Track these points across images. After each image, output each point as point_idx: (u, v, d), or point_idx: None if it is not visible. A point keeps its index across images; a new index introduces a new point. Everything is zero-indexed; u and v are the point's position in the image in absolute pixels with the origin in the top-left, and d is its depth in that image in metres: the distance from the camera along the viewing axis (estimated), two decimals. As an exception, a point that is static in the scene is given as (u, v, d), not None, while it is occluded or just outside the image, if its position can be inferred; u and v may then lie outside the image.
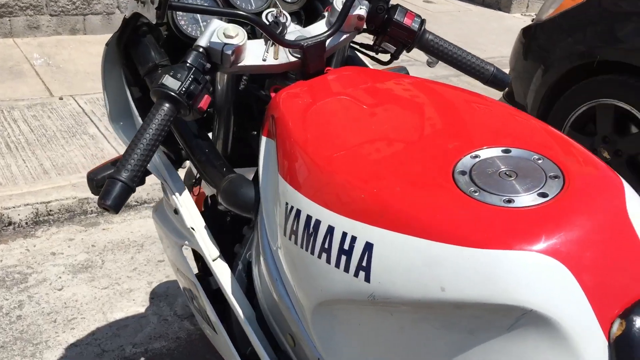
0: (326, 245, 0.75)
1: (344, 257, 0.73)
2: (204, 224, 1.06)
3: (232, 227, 1.13)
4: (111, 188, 0.85)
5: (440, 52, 1.15)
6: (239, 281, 1.02)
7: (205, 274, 1.10)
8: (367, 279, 0.71)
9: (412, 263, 0.67)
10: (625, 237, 0.67)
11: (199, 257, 1.25)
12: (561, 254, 0.62)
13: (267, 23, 1.03)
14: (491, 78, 1.16)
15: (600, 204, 0.69)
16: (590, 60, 2.46)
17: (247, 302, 0.99)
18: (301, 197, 0.80)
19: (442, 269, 0.65)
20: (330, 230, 0.75)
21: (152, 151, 0.89)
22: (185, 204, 1.07)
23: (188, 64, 0.93)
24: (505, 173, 0.72)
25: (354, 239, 0.73)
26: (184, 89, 0.91)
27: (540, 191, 0.69)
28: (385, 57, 1.20)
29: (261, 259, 0.95)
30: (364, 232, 0.72)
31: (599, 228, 0.66)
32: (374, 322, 0.74)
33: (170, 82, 0.91)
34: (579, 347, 0.61)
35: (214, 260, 1.02)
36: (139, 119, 1.12)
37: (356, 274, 0.72)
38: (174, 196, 1.06)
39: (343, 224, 0.74)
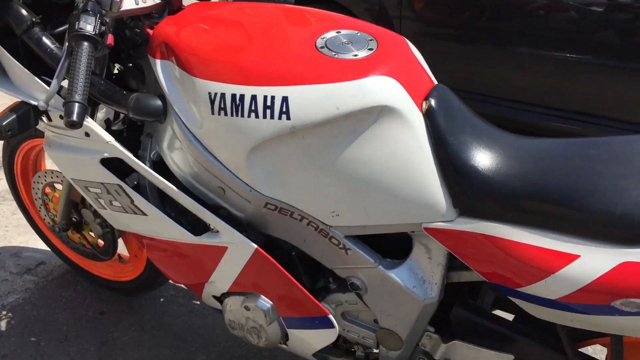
0: (253, 107, 1.18)
1: (268, 110, 1.17)
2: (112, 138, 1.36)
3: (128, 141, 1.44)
4: (72, 109, 1.13)
5: None
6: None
7: (121, 177, 1.40)
8: (288, 117, 1.15)
9: (317, 98, 1.14)
10: (412, 62, 1.24)
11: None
12: (391, 73, 1.15)
13: None
14: None
15: (399, 48, 1.25)
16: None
17: (168, 182, 1.35)
18: (222, 85, 1.20)
19: (335, 97, 1.13)
20: (254, 97, 1.17)
21: (89, 80, 1.17)
22: (95, 126, 1.36)
23: (91, 12, 1.22)
24: (345, 43, 1.23)
25: (272, 97, 1.16)
26: (97, 30, 1.20)
27: (368, 48, 1.21)
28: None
29: (180, 145, 1.32)
30: (279, 91, 1.16)
31: (403, 58, 1.22)
32: (293, 149, 1.19)
33: (86, 26, 1.19)
34: (409, 119, 1.15)
35: (137, 158, 1.35)
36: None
37: (280, 117, 1.16)
38: (85, 123, 1.34)
39: (263, 90, 1.17)
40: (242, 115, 1.19)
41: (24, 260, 2.22)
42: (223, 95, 1.20)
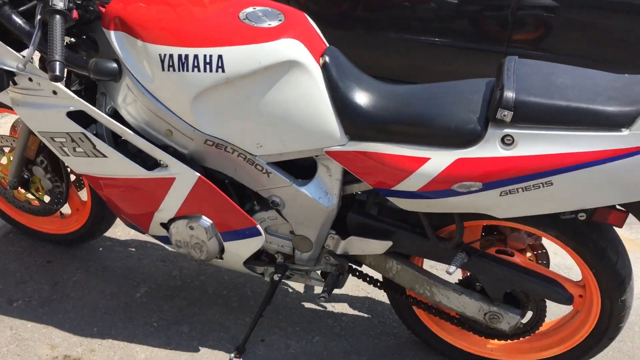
0: (195, 64, 1.57)
1: (208, 66, 1.57)
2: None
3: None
4: (55, 66, 1.47)
5: None
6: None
7: (84, 126, 1.74)
8: (223, 70, 1.56)
9: (244, 56, 1.55)
10: (311, 29, 1.69)
11: None
12: (296, 37, 1.60)
13: None
14: None
15: (301, 19, 1.70)
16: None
17: (125, 128, 1.71)
18: (170, 47, 1.58)
19: (258, 54, 1.55)
20: (196, 56, 1.57)
21: (64, 44, 1.52)
22: (62, 86, 1.70)
23: None
24: (261, 16, 1.66)
25: (210, 56, 1.56)
26: (67, 7, 1.55)
27: (278, 19, 1.65)
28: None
29: (134, 97, 1.68)
30: (216, 51, 1.56)
31: (304, 27, 1.67)
32: (226, 95, 1.59)
33: (59, 3, 1.54)
34: (311, 71, 1.59)
35: (100, 110, 1.70)
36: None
37: (217, 71, 1.57)
38: (45, 81, 1.67)
39: (203, 51, 1.56)
40: (187, 70, 1.59)
41: (-35, 225, 2.45)
42: (171, 55, 1.59)
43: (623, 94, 1.43)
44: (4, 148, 2.16)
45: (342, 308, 2.21)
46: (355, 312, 2.19)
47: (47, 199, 2.20)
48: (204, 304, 2.17)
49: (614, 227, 1.63)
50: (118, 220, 2.34)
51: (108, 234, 2.44)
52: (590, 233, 1.61)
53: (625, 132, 1.38)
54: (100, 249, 2.41)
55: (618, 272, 1.65)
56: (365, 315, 2.19)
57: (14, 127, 2.23)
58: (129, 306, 2.13)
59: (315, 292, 2.28)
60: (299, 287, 2.28)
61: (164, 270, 2.31)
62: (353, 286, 2.30)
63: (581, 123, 1.41)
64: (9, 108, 2.05)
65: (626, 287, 1.67)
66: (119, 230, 2.50)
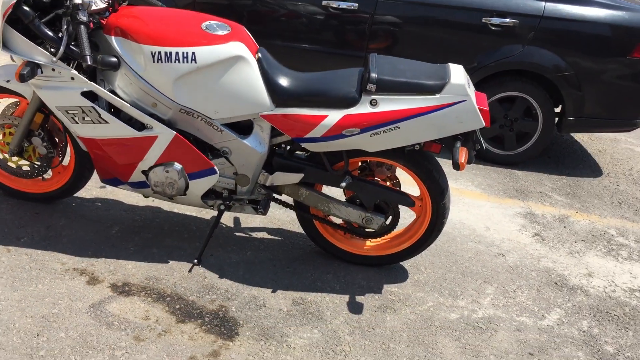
0: (176, 58, 2.42)
1: (185, 59, 2.43)
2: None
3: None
4: (87, 58, 2.28)
5: None
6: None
7: (92, 101, 2.51)
8: (195, 62, 2.44)
9: (208, 52, 2.43)
10: (247, 36, 2.61)
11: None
12: (240, 40, 2.51)
13: None
14: None
15: (241, 30, 2.61)
16: None
17: (123, 101, 2.51)
18: (159, 47, 2.42)
19: (218, 51, 2.44)
20: (177, 53, 2.42)
21: (89, 45, 2.32)
22: (77, 73, 2.47)
23: (82, 8, 2.34)
24: (216, 27, 2.54)
25: (187, 52, 2.43)
26: (88, 20, 2.35)
27: (227, 29, 2.55)
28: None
29: (129, 80, 2.49)
30: (190, 49, 2.43)
31: (244, 34, 2.59)
32: (196, 78, 2.46)
33: (83, 17, 2.33)
34: (250, 62, 2.49)
35: (109, 91, 2.50)
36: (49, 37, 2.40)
37: (191, 62, 2.43)
38: (67, 71, 2.44)
39: (182, 49, 2.42)
40: (171, 62, 2.44)
41: (-44, 191, 3.05)
42: (160, 52, 2.44)
43: (436, 74, 2.50)
44: (4, 125, 2.83)
45: (263, 235, 3.12)
46: (272, 237, 3.12)
47: (37, 163, 2.90)
48: (164, 235, 2.98)
49: (435, 155, 2.72)
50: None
51: (75, 195, 3.16)
52: (422, 160, 2.68)
53: (437, 95, 2.45)
54: (73, 204, 3.13)
55: (440, 184, 2.72)
56: (280, 238, 3.12)
57: (4, 112, 2.90)
58: (108, 238, 2.89)
59: (243, 225, 3.17)
60: (230, 221, 3.17)
61: (127, 216, 3.09)
62: (269, 220, 3.23)
63: (414, 91, 2.46)
64: (9, 93, 2.75)
65: (445, 194, 2.76)
66: (84, 192, 3.23)
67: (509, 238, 3.44)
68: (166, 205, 3.24)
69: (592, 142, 5.32)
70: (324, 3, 4.29)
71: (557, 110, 4.47)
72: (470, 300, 2.83)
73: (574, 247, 3.44)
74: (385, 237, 2.95)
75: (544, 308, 2.85)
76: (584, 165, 4.74)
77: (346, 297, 2.72)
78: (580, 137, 5.38)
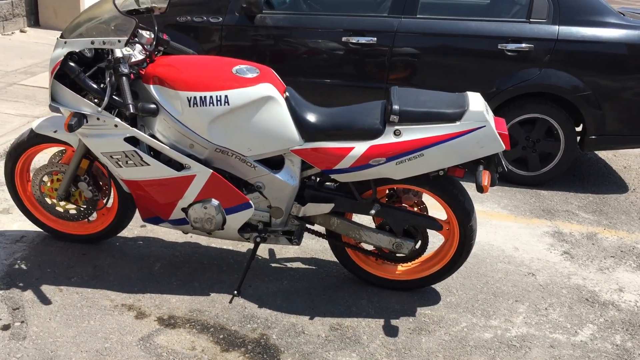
0: (211, 101, 2.59)
1: (219, 102, 2.60)
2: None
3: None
4: (130, 107, 2.46)
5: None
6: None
7: (134, 145, 2.69)
8: (228, 104, 2.61)
9: (240, 94, 2.60)
10: (275, 77, 2.78)
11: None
12: (269, 82, 2.68)
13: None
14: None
15: (269, 72, 2.78)
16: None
17: (163, 145, 2.69)
18: (194, 92, 2.60)
19: (249, 93, 2.63)
20: (211, 96, 2.60)
21: (131, 95, 2.51)
22: (120, 121, 2.66)
23: (123, 61, 2.54)
24: (246, 70, 2.72)
25: (220, 96, 2.60)
26: (129, 71, 2.54)
27: (256, 72, 2.72)
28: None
29: (167, 125, 2.67)
30: (223, 93, 2.60)
31: (272, 75, 2.76)
32: (230, 119, 2.63)
33: (125, 70, 2.53)
34: (280, 102, 2.66)
35: (149, 135, 2.68)
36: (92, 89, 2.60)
37: (224, 105, 2.60)
38: (111, 119, 2.63)
39: (216, 93, 2.60)
40: (206, 106, 2.62)
41: (8, 238, 3.24)
42: (195, 97, 2.62)
43: (455, 103, 2.63)
44: (52, 172, 3.03)
45: (298, 264, 3.25)
46: (307, 266, 3.24)
47: (83, 207, 3.08)
48: (203, 269, 3.13)
49: (459, 180, 2.83)
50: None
51: (118, 235, 3.33)
52: (447, 184, 2.79)
53: (458, 123, 2.57)
54: (117, 244, 3.30)
55: (466, 207, 2.83)
56: (314, 267, 3.24)
57: (51, 160, 3.10)
58: (152, 274, 3.05)
59: (278, 256, 3.30)
60: (266, 253, 3.30)
61: (168, 253, 3.25)
62: (303, 250, 3.36)
63: (435, 120, 2.59)
64: (55, 142, 2.95)
65: (471, 217, 2.86)
66: (126, 232, 3.40)
67: (538, 257, 3.51)
68: (204, 241, 3.39)
69: (616, 158, 5.37)
70: (343, 39, 4.47)
71: (579, 129, 4.55)
72: (503, 320, 2.90)
73: (604, 264, 3.49)
74: (416, 261, 3.05)
75: (576, 324, 2.91)
76: (609, 182, 4.79)
77: (381, 321, 2.82)
78: (605, 155, 5.44)
